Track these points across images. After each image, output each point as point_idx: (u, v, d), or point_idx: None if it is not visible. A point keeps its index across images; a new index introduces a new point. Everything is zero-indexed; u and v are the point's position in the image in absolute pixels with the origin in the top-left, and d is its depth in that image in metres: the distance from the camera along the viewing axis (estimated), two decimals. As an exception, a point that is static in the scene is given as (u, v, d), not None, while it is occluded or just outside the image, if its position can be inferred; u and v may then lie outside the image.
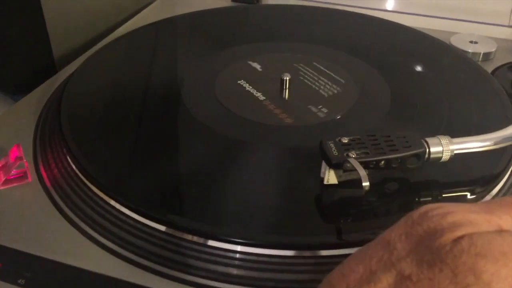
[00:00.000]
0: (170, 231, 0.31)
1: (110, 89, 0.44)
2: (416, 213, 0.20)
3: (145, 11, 0.64)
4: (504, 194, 0.34)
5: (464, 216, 0.19)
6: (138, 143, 0.39)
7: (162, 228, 0.31)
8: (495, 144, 0.33)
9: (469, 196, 0.33)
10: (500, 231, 0.19)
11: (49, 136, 0.39)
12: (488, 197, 0.33)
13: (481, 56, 0.52)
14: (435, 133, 0.33)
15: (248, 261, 0.30)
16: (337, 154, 0.31)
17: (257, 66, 0.47)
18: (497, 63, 0.51)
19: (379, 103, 0.42)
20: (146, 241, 0.31)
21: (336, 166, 0.31)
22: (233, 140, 0.38)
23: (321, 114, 0.40)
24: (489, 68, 0.50)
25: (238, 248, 0.30)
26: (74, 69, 0.49)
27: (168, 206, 0.33)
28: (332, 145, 0.31)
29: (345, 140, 0.32)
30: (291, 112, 0.40)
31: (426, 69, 0.47)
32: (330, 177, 0.32)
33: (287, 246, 0.29)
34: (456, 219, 0.19)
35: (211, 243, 0.30)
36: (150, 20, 0.57)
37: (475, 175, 0.34)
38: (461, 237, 0.19)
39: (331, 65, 0.47)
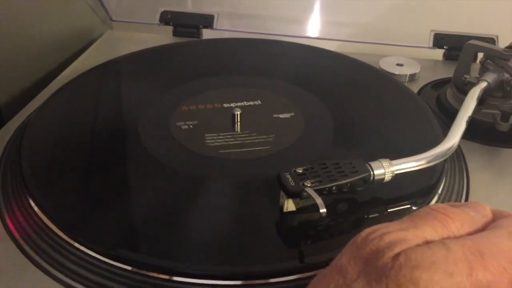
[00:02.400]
0: (135, 269, 0.33)
1: (67, 134, 0.45)
2: (359, 239, 0.24)
3: (87, 52, 0.65)
4: (442, 202, 0.39)
5: (397, 235, 0.23)
6: (99, 184, 0.40)
7: (129, 267, 0.33)
8: (428, 162, 0.37)
9: (413, 207, 0.37)
10: (427, 242, 0.23)
11: (12, 188, 0.40)
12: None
13: (407, 78, 0.57)
14: (375, 155, 0.37)
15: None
16: (294, 184, 0.34)
17: (208, 101, 0.49)
18: (421, 82, 0.57)
19: (324, 129, 0.45)
20: (119, 283, 0.33)
21: (294, 195, 0.34)
22: (191, 176, 0.40)
23: (271, 146, 0.43)
24: (415, 88, 0.55)
25: (206, 281, 0.32)
26: (24, 117, 0.50)
27: (134, 245, 0.35)
28: (288, 176, 0.34)
29: (299, 170, 0.35)
30: (243, 146, 0.43)
31: (362, 94, 0.51)
32: (289, 205, 0.35)
33: (256, 275, 0.32)
34: (391, 238, 0.23)
35: (177, 278, 0.32)
36: (93, 61, 0.58)
37: (414, 189, 0.38)
38: (398, 254, 0.22)
39: (276, 96, 0.50)
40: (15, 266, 0.35)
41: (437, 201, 0.39)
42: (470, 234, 0.24)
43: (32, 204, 0.38)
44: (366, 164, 0.36)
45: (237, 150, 0.43)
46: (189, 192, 0.39)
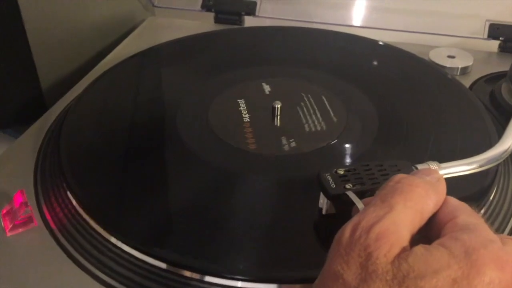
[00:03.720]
0: (171, 268, 0.32)
1: (107, 124, 0.45)
2: (343, 239, 0.23)
3: (128, 38, 0.64)
4: (493, 210, 0.36)
5: (379, 228, 0.23)
6: (138, 178, 0.40)
7: (163, 265, 0.33)
8: (480, 166, 0.34)
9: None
10: (409, 229, 0.24)
11: (50, 177, 0.40)
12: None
13: (459, 71, 0.54)
14: (422, 155, 0.35)
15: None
16: (334, 186, 0.32)
17: (249, 92, 0.48)
18: (474, 76, 0.54)
19: (367, 125, 0.43)
20: (151, 280, 0.32)
21: (334, 198, 0.32)
22: (229, 172, 0.39)
23: (312, 141, 0.42)
24: (467, 82, 0.52)
25: (239, 284, 0.31)
26: (65, 104, 0.50)
27: (170, 243, 0.34)
28: (329, 177, 0.33)
29: (341, 171, 0.33)
30: (282, 140, 0.42)
31: (409, 88, 0.49)
32: (329, 208, 0.33)
33: (292, 280, 0.31)
34: (376, 233, 0.23)
35: (212, 279, 0.32)
36: (135, 47, 0.58)
37: (463, 194, 0.36)
38: (398, 260, 0.22)
39: (318, 88, 0.48)
40: (49, 256, 0.35)
41: (488, 209, 0.36)
42: (437, 203, 0.25)
43: (69, 195, 0.38)
44: (413, 167, 0.34)
45: (276, 145, 0.41)
46: (225, 189, 0.38)
